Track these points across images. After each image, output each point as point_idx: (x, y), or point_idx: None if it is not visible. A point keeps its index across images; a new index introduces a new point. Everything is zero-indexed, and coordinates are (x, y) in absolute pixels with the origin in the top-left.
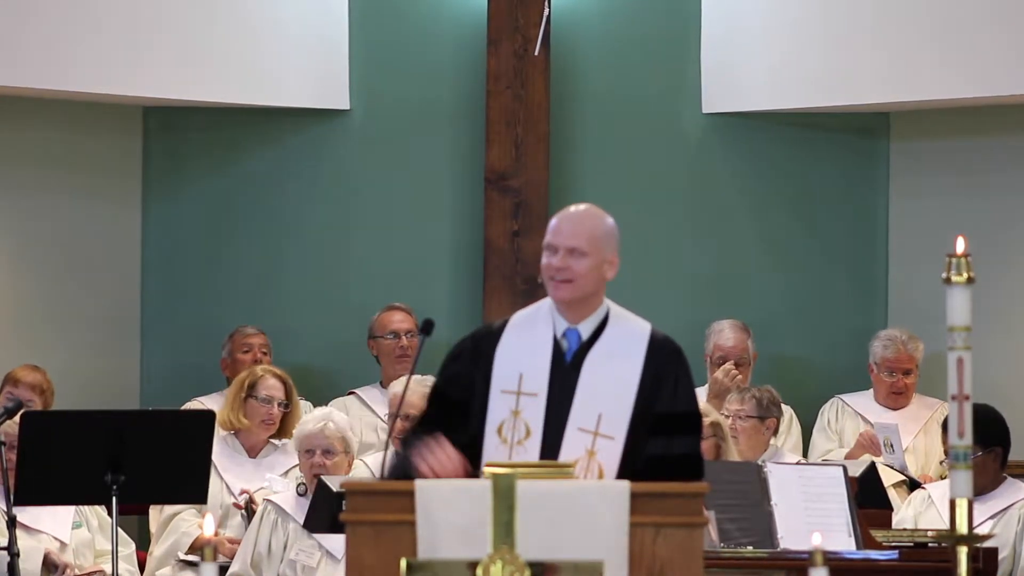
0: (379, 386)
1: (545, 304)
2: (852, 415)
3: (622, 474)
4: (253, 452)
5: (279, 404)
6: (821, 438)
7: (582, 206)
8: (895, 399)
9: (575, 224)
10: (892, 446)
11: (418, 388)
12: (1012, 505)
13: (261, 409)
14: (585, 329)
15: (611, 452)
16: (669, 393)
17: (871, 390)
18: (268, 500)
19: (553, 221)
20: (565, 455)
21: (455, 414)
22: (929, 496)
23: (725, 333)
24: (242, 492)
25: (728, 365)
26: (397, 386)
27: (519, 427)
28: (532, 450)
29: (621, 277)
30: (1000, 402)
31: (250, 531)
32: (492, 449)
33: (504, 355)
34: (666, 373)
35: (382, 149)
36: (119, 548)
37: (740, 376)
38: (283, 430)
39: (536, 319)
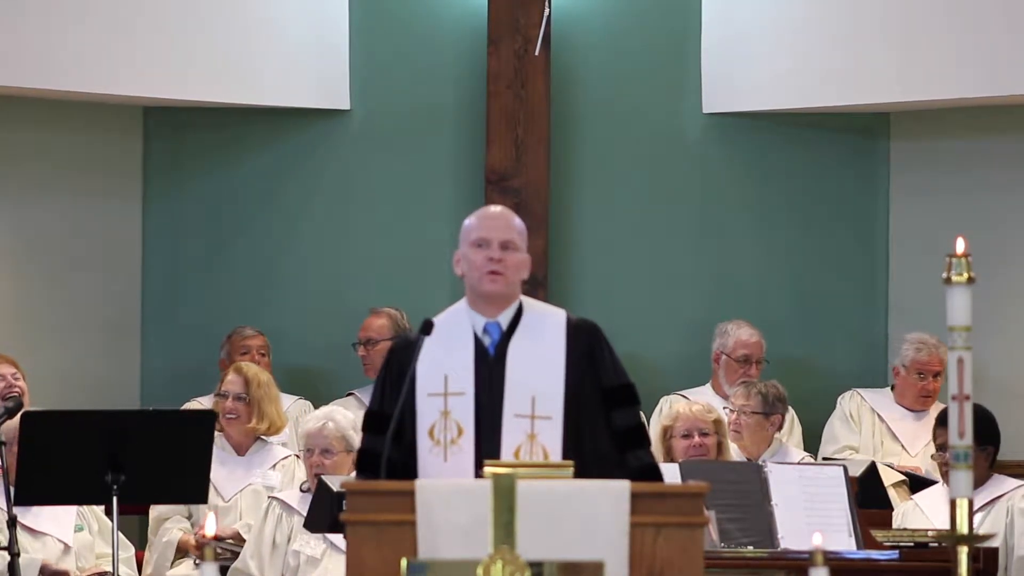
0: None
1: (460, 306)
2: (869, 411)
3: (565, 451)
4: (241, 450)
5: (235, 397)
6: (844, 429)
7: (499, 207)
8: (923, 402)
9: (504, 220)
10: None
11: None
12: (1000, 497)
13: (220, 404)
14: (504, 320)
15: (551, 432)
16: (608, 367)
17: (887, 388)
18: (273, 496)
19: (474, 221)
20: (506, 444)
21: (396, 430)
22: (916, 505)
23: (745, 330)
24: (200, 532)
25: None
26: None
27: (450, 427)
28: (467, 447)
29: (621, 278)
30: (999, 401)
31: (255, 526)
32: (426, 452)
33: (426, 360)
34: (598, 349)
35: (382, 149)
36: (119, 551)
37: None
38: (269, 427)
39: (453, 321)
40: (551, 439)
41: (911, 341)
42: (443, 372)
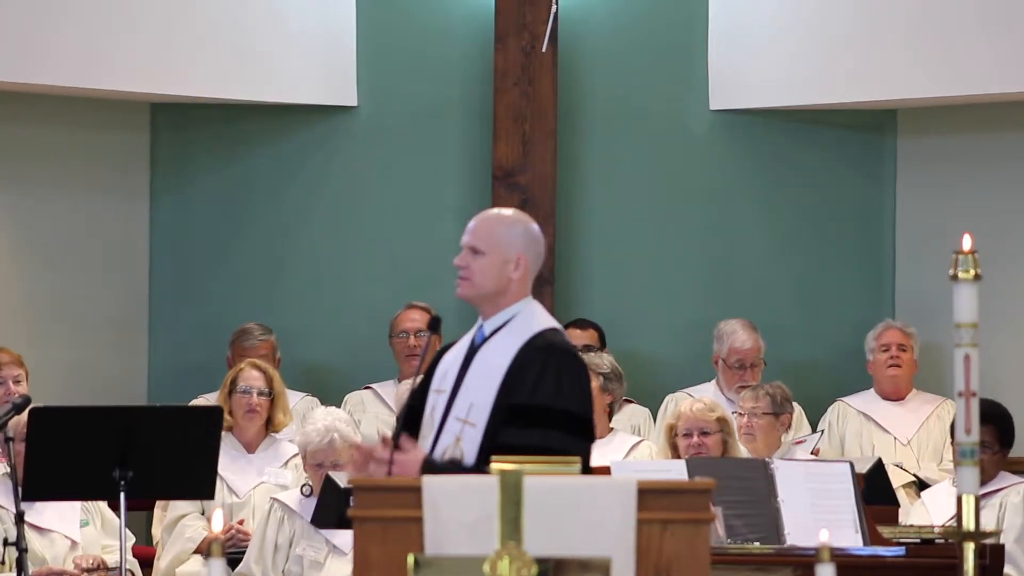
0: (396, 382)
1: None
2: (855, 415)
3: (478, 461)
4: (251, 448)
5: (259, 392)
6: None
7: (504, 210)
8: (893, 380)
9: (479, 223)
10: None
11: None
12: (996, 492)
13: (243, 400)
14: (489, 327)
15: (472, 439)
16: (529, 386)
17: (871, 389)
18: (275, 498)
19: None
20: (441, 443)
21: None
22: (923, 503)
23: (739, 336)
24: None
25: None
26: (403, 386)
27: (430, 422)
28: (428, 443)
29: (628, 276)
30: (1004, 398)
31: (257, 529)
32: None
33: (444, 360)
34: (529, 365)
35: (390, 146)
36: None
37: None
38: (273, 421)
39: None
40: (470, 445)
41: (872, 329)
42: (444, 370)
